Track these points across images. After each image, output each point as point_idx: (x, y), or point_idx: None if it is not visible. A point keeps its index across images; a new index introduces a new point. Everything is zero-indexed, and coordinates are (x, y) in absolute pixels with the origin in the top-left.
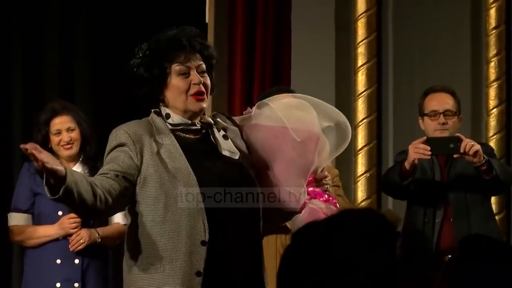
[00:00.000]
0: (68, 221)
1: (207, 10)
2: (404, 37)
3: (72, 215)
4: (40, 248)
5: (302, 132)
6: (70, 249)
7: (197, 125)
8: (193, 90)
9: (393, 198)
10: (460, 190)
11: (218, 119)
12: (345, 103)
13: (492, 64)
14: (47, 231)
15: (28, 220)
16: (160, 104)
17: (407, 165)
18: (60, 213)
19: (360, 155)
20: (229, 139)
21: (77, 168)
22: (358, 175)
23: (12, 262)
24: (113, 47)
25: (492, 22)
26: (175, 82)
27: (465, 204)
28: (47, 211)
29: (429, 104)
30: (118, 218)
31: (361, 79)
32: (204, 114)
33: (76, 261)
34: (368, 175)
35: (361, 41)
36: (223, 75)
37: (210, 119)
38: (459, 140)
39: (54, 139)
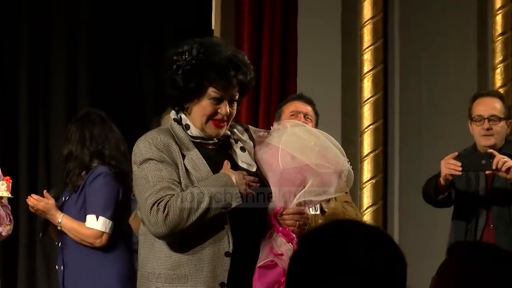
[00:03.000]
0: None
1: (213, 17)
2: (410, 44)
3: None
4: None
5: (294, 160)
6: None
7: (215, 139)
8: (216, 118)
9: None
10: (503, 198)
11: (236, 131)
12: (351, 110)
13: (498, 70)
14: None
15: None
16: (182, 110)
17: (441, 180)
18: None
19: (366, 161)
20: (247, 151)
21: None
22: (364, 181)
23: (18, 261)
24: (117, 52)
25: (498, 28)
26: (205, 104)
27: (508, 211)
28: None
29: (475, 108)
30: (90, 221)
31: (367, 85)
32: None
33: (60, 268)
34: (374, 181)
35: (367, 47)
36: None
37: (227, 131)
38: (491, 157)
39: None
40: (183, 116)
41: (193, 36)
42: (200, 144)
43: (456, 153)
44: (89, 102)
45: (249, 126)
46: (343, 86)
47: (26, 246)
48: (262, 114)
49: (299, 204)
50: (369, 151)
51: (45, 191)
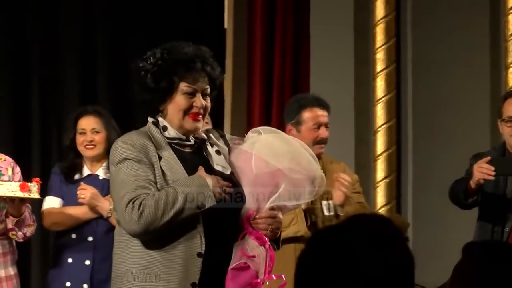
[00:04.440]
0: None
1: (226, 16)
2: (423, 43)
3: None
4: (57, 247)
5: (267, 165)
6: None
7: (191, 140)
8: (192, 111)
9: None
10: None
11: (211, 135)
12: (364, 109)
13: (511, 69)
14: (76, 211)
15: (60, 204)
16: (158, 113)
17: (472, 184)
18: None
19: (379, 160)
20: (222, 155)
21: (100, 172)
22: (378, 180)
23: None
24: (129, 52)
25: (511, 27)
26: (179, 100)
27: None
28: (71, 196)
29: (506, 109)
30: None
31: (380, 84)
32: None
33: (87, 262)
34: (388, 180)
35: (380, 46)
36: (243, 81)
37: (203, 135)
38: None
39: (79, 139)
40: (159, 118)
41: (205, 36)
42: (176, 146)
43: (489, 158)
44: (105, 100)
45: (225, 133)
46: (356, 86)
47: (38, 247)
48: (275, 114)
49: (272, 209)
50: (382, 150)
51: (82, 183)
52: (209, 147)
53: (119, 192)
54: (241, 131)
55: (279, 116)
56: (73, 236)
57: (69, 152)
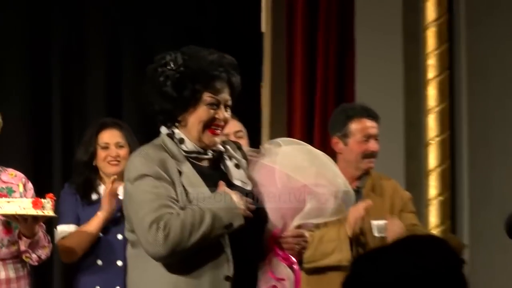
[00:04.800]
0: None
1: (263, 18)
2: (478, 47)
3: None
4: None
5: (292, 180)
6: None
7: (209, 154)
8: (214, 124)
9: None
10: None
11: (228, 147)
12: (414, 120)
13: None
14: (94, 219)
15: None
16: (175, 124)
17: None
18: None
19: (431, 177)
20: (241, 168)
21: (121, 192)
22: (430, 198)
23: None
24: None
25: None
26: (201, 111)
27: None
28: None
29: None
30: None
31: (432, 93)
32: None
33: (119, 263)
34: (441, 198)
35: (432, 51)
36: (282, 89)
37: (221, 147)
38: None
39: (101, 154)
40: (175, 130)
41: (240, 41)
42: (194, 160)
43: None
44: (131, 113)
45: (241, 144)
46: (405, 94)
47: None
48: (318, 125)
49: (298, 226)
50: (435, 165)
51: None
52: (227, 160)
53: (139, 212)
54: None
55: (322, 127)
56: (100, 235)
57: (83, 169)
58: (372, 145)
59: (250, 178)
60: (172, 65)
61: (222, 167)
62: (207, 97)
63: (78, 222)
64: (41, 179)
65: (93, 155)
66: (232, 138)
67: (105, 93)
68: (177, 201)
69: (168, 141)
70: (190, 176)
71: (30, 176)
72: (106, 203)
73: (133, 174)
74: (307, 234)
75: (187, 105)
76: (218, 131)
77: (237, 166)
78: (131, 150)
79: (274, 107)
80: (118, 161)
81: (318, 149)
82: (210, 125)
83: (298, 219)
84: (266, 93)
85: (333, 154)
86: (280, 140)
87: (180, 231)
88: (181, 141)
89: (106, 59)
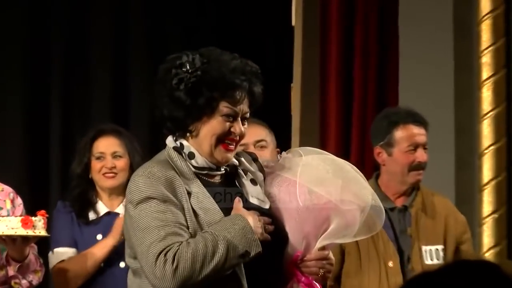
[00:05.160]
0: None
1: (294, 11)
2: None
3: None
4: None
5: (318, 197)
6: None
7: (222, 169)
8: (229, 138)
9: None
10: None
11: (243, 160)
12: (466, 127)
13: None
14: (102, 244)
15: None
16: (185, 134)
17: None
18: (99, 236)
19: (486, 191)
20: (258, 185)
21: (120, 210)
22: (484, 216)
23: None
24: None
25: None
26: (216, 122)
27: None
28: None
29: None
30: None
31: (486, 95)
32: None
33: (121, 264)
34: (497, 216)
35: (486, 48)
36: (314, 91)
37: (235, 160)
38: None
39: (95, 165)
40: (184, 143)
41: (268, 36)
42: (204, 177)
43: None
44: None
45: (257, 156)
46: (456, 97)
47: None
48: (356, 132)
49: (322, 248)
50: (490, 177)
51: (120, 216)
52: (241, 176)
53: (144, 241)
54: None
55: (360, 135)
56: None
57: (78, 182)
58: (420, 155)
59: (267, 194)
60: (188, 68)
61: (237, 183)
62: (224, 107)
63: (76, 245)
64: (37, 193)
65: (88, 166)
66: (252, 149)
67: (110, 96)
68: (187, 227)
69: (175, 156)
70: (201, 197)
71: (24, 190)
72: (118, 230)
73: (136, 197)
74: (332, 256)
75: (201, 114)
76: (232, 147)
77: (253, 181)
78: (132, 161)
79: (305, 112)
80: (115, 173)
81: (357, 160)
82: (224, 139)
83: (322, 239)
84: (296, 95)
85: (375, 166)
86: (300, 149)
87: (191, 263)
88: (191, 156)
89: (111, 58)
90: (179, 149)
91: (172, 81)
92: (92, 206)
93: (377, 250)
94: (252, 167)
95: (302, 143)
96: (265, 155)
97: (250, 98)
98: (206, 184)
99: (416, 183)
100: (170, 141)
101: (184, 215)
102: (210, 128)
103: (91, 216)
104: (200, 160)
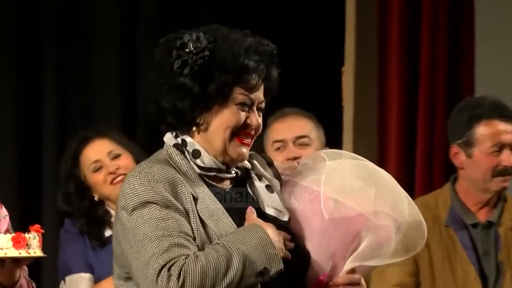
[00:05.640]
0: None
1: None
2: None
3: None
4: None
5: (346, 209)
6: None
7: (232, 172)
8: (243, 131)
9: None
10: None
11: (255, 163)
12: None
13: None
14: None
15: (91, 282)
16: (191, 129)
17: None
18: None
19: None
20: (275, 192)
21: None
22: None
23: None
24: None
25: None
26: (230, 112)
27: None
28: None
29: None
30: None
31: None
32: None
33: None
34: None
35: None
36: (371, 77)
37: (247, 163)
38: None
39: (96, 178)
40: (188, 139)
41: (316, 8)
42: (212, 181)
43: None
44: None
45: (272, 160)
46: None
47: None
48: (422, 127)
49: (351, 271)
50: None
51: None
52: (255, 181)
53: (142, 254)
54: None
55: (427, 130)
56: None
57: (83, 213)
58: (506, 158)
59: (285, 205)
60: (192, 48)
61: (249, 190)
62: (238, 94)
63: (91, 269)
64: (28, 204)
65: (84, 186)
66: (290, 147)
67: (118, 92)
68: (193, 238)
69: (176, 155)
70: (209, 203)
71: (13, 204)
72: None
73: (132, 201)
74: (363, 282)
75: (212, 103)
76: (248, 141)
77: (269, 188)
78: (135, 156)
79: (359, 102)
80: (122, 173)
81: (423, 162)
82: (239, 132)
83: (351, 260)
84: (348, 82)
85: (448, 170)
86: (323, 152)
87: (200, 280)
88: (196, 154)
89: (118, 47)
90: (181, 147)
91: (173, 65)
92: (107, 223)
93: (454, 275)
94: (267, 173)
95: (356, 141)
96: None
97: (266, 84)
98: (214, 190)
99: (501, 192)
100: (169, 138)
101: (190, 223)
102: (223, 119)
103: (107, 233)
104: (207, 160)
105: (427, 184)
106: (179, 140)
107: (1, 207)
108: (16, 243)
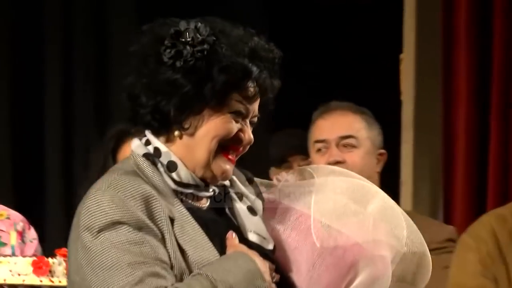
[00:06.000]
0: None
1: None
2: None
3: None
4: None
5: (337, 236)
6: None
7: (210, 189)
8: (232, 146)
9: None
10: None
11: (235, 179)
12: None
13: None
14: None
15: None
16: (169, 133)
17: None
18: None
19: None
20: (258, 215)
21: None
22: None
23: None
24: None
25: None
26: (221, 121)
27: None
28: None
29: None
30: None
31: None
32: None
33: None
34: None
35: None
36: (435, 62)
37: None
38: None
39: None
40: (162, 148)
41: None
42: (188, 199)
43: None
44: None
45: (253, 176)
46: None
47: None
48: (496, 126)
49: None
50: None
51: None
52: (235, 201)
53: (110, 283)
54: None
55: (502, 129)
56: None
57: None
58: None
59: (268, 230)
60: (189, 38)
61: (228, 212)
62: (235, 101)
63: None
64: (28, 204)
65: None
66: (333, 149)
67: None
68: (171, 266)
69: (147, 167)
70: (187, 226)
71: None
72: None
73: (99, 221)
74: None
75: (204, 106)
76: (233, 158)
77: (252, 210)
78: None
79: (421, 95)
80: None
81: (497, 167)
82: (227, 145)
83: None
84: (408, 71)
85: None
86: (311, 168)
87: None
88: (171, 166)
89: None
90: (152, 158)
91: (161, 56)
92: None
93: None
94: (248, 191)
95: (417, 141)
96: (353, 159)
97: (263, 98)
98: (190, 209)
99: None
100: (137, 145)
101: (166, 249)
102: (213, 126)
103: None
104: (184, 174)
105: (502, 194)
106: (150, 148)
107: (29, 229)
108: (37, 269)
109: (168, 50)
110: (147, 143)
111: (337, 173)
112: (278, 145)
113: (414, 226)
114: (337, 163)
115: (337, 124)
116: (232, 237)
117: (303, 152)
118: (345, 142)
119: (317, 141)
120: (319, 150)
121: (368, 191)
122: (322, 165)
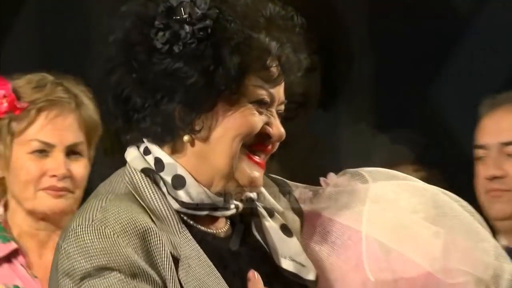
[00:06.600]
0: None
1: None
2: None
3: None
4: None
5: (401, 261)
6: None
7: (232, 207)
8: (259, 145)
9: None
10: None
11: (265, 192)
12: None
13: None
14: None
15: None
16: (175, 140)
17: None
18: None
19: None
20: (294, 237)
21: None
22: None
23: None
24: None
25: None
26: (240, 114)
27: None
28: None
29: None
30: None
31: None
32: None
33: None
34: None
35: None
36: None
37: (250, 193)
38: None
39: None
40: (165, 159)
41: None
42: (200, 225)
43: None
44: None
45: (290, 185)
46: None
47: None
48: None
49: None
50: None
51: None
52: (264, 219)
53: None
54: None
55: None
56: None
57: None
58: None
59: (309, 254)
60: (185, 14)
61: (255, 233)
62: (254, 86)
63: None
64: None
65: None
66: (494, 157)
67: None
68: None
69: (146, 186)
70: (196, 266)
71: None
72: None
73: (80, 266)
74: None
75: (216, 99)
76: (263, 161)
77: (286, 230)
78: None
79: None
80: None
81: None
82: (254, 145)
83: None
84: None
85: None
86: (365, 171)
87: None
88: (178, 182)
89: None
90: (153, 174)
91: (155, 42)
92: None
93: None
94: (281, 205)
95: None
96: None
97: (287, 78)
98: (203, 239)
99: None
100: (135, 157)
101: None
102: (231, 124)
103: None
104: (195, 191)
105: None
106: (150, 159)
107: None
108: None
109: (160, 33)
110: (146, 151)
111: (401, 179)
112: (382, 150)
113: (493, 239)
114: (494, 178)
115: (502, 126)
116: (254, 278)
117: (413, 159)
118: (509, 150)
119: (477, 147)
120: (479, 158)
121: (436, 197)
122: (382, 169)
